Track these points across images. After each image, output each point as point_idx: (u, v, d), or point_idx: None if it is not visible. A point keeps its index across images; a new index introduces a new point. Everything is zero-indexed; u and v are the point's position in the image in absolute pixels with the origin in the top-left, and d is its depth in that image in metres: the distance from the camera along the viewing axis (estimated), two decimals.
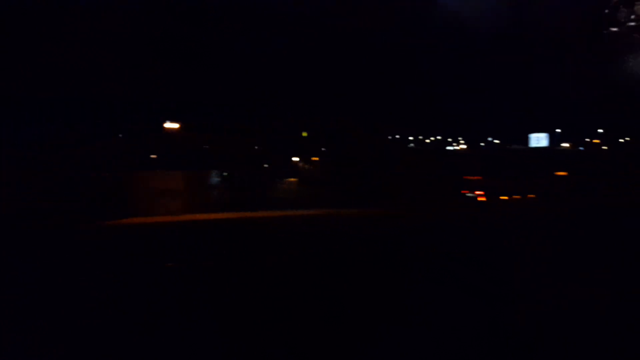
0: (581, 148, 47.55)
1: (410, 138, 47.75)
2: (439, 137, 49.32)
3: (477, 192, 25.78)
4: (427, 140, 49.29)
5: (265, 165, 30.20)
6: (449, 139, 49.79)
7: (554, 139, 48.59)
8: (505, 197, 25.84)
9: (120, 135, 30.41)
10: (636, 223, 13.84)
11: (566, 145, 48.53)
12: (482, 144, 50.05)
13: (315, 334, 5.19)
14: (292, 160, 31.82)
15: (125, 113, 29.70)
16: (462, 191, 26.19)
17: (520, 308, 6.05)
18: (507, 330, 5.27)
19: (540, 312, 5.81)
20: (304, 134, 34.02)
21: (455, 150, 48.22)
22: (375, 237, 12.94)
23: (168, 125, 30.30)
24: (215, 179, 23.90)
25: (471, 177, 29.07)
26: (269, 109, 31.91)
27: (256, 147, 32.23)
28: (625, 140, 45.41)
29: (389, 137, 42.08)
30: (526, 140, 48.52)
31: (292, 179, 27.45)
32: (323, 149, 33.54)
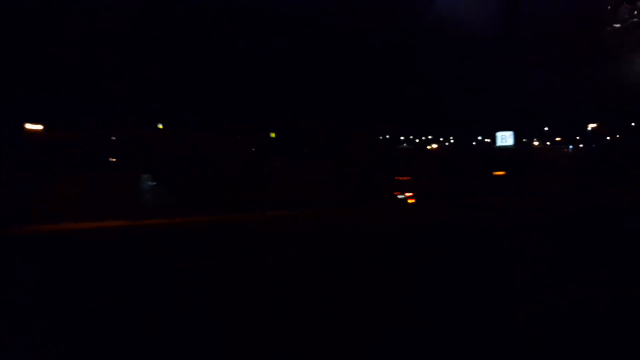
0: (570, 147, 46.99)
1: (402, 138, 47.24)
2: (429, 137, 48.80)
3: (407, 194, 24.75)
4: (417, 140, 48.74)
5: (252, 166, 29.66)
6: (441, 139, 49.29)
7: (544, 138, 47.93)
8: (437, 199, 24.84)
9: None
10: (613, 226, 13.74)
11: (536, 143, 47.80)
12: (473, 143, 49.50)
13: (315, 334, 5.20)
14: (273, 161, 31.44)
15: (125, 113, 29.62)
16: (395, 192, 25.05)
17: (520, 308, 6.05)
18: (507, 330, 5.27)
19: (540, 312, 5.82)
20: (272, 134, 33.58)
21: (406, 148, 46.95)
22: (375, 237, 12.94)
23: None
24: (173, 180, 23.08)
25: (402, 178, 27.58)
26: (269, 109, 31.87)
27: (245, 147, 31.87)
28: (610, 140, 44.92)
29: (380, 137, 41.42)
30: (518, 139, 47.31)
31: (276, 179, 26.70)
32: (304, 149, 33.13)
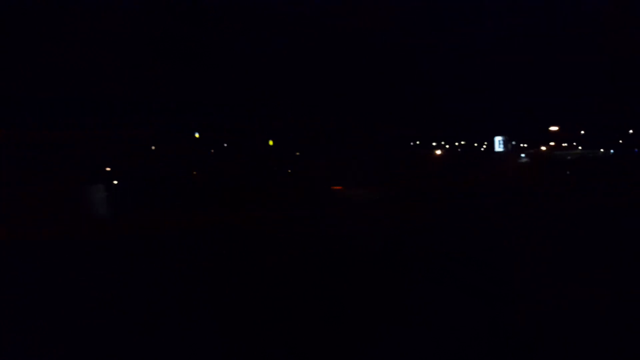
0: (611, 151, 45.70)
1: (417, 143, 47.10)
2: (438, 142, 48.74)
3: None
4: (433, 144, 48.54)
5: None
6: (455, 143, 49.11)
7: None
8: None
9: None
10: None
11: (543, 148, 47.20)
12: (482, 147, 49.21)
13: (315, 334, 5.19)
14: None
15: (125, 113, 29.61)
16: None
17: (520, 308, 6.05)
18: (507, 330, 5.27)
19: (540, 312, 5.81)
20: (270, 142, 33.60)
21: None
22: (375, 237, 12.92)
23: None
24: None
25: (336, 187, 26.26)
26: (269, 109, 31.87)
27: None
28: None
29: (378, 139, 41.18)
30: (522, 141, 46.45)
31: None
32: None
